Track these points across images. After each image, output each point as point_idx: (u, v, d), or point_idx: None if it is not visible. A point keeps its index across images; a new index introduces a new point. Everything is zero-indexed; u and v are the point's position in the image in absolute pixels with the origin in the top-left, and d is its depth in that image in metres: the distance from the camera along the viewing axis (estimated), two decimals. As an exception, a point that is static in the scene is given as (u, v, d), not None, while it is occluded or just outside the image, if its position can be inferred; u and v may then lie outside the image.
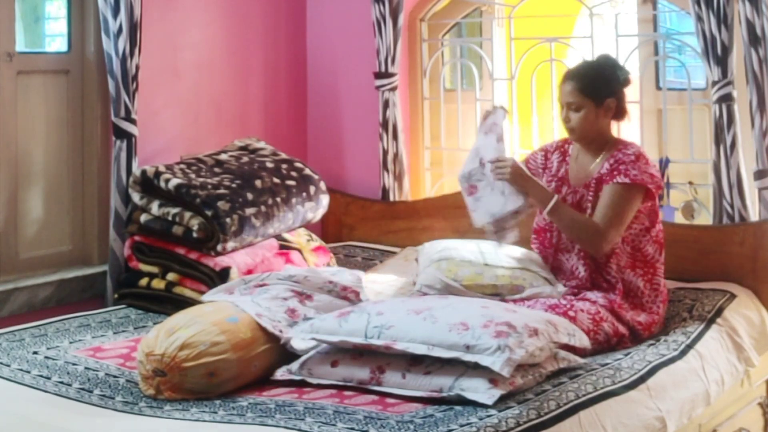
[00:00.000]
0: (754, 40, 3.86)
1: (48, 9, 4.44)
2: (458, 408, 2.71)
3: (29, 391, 2.97)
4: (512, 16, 4.89)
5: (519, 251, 3.62)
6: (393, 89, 4.79)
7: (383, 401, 2.80)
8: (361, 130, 4.99)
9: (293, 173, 4.28)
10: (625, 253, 3.50)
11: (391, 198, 4.82)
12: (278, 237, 4.15)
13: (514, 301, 3.43)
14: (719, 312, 3.65)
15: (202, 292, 3.66)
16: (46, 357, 3.26)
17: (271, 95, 4.98)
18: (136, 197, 4.00)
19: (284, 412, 2.73)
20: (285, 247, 4.13)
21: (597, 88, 3.52)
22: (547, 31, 4.83)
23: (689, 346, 3.38)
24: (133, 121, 4.10)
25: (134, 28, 4.05)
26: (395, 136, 4.79)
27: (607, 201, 3.44)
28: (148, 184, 3.99)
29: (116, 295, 4.01)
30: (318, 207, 4.33)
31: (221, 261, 3.85)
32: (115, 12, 4.00)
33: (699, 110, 4.41)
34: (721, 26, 3.91)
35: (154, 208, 3.95)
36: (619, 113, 3.59)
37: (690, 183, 4.36)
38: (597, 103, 3.52)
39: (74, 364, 3.18)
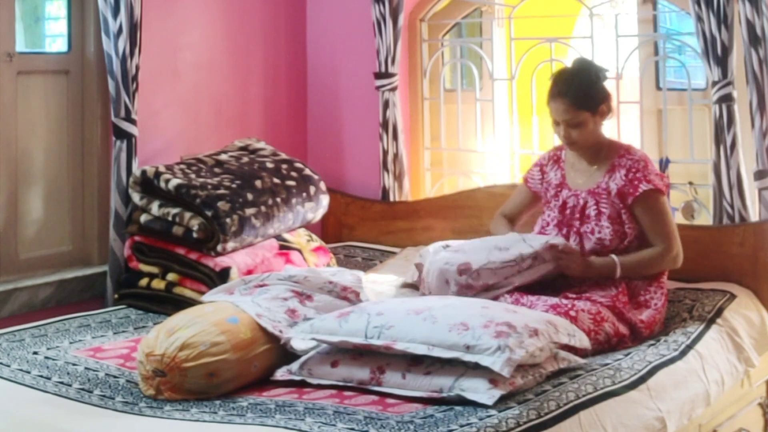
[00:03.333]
0: (754, 40, 3.86)
1: (48, 9, 4.44)
2: (458, 408, 2.71)
3: (29, 392, 2.97)
4: (512, 17, 4.89)
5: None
6: (393, 89, 4.79)
7: (383, 401, 2.80)
8: (361, 130, 4.99)
9: (293, 173, 4.28)
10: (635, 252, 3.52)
11: (391, 198, 4.82)
12: (278, 237, 4.15)
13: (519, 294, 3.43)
14: (719, 312, 3.65)
15: (202, 293, 3.66)
16: (46, 357, 3.26)
17: (271, 95, 4.98)
18: (136, 197, 4.00)
19: (284, 413, 2.73)
20: (285, 248, 4.13)
21: (590, 98, 3.54)
22: (547, 32, 4.83)
23: (689, 347, 3.38)
24: (133, 122, 4.10)
25: (134, 28, 4.05)
26: (395, 137, 4.79)
27: (651, 221, 3.51)
28: (148, 185, 3.99)
29: (116, 296, 4.00)
30: (318, 207, 4.33)
31: (221, 261, 3.85)
32: (115, 12, 4.00)
33: (699, 110, 4.41)
34: (721, 26, 3.91)
35: (154, 208, 3.95)
36: (611, 110, 3.61)
37: (690, 183, 4.36)
38: (593, 112, 3.54)
39: (74, 365, 3.18)
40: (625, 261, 3.49)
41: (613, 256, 3.49)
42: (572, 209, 3.58)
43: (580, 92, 3.52)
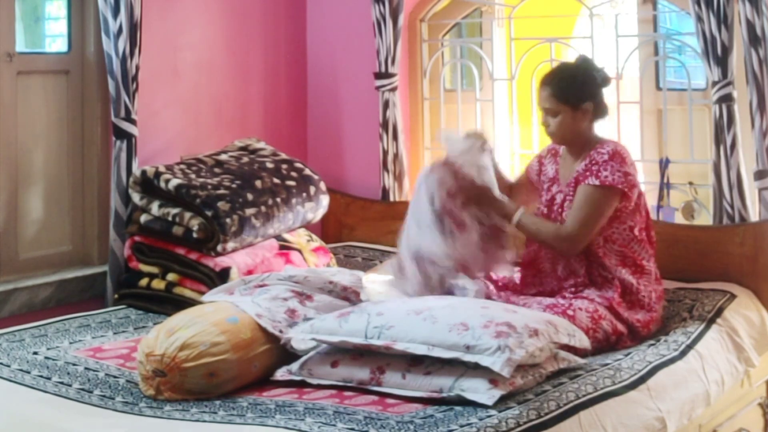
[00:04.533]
0: (754, 40, 3.86)
1: (48, 9, 4.44)
2: (458, 408, 2.71)
3: (29, 392, 2.97)
4: (512, 17, 4.89)
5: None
6: (393, 89, 4.79)
7: (383, 401, 2.80)
8: (361, 130, 4.99)
9: (293, 173, 4.28)
10: (613, 252, 3.49)
11: (391, 198, 4.82)
12: (278, 237, 4.15)
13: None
14: (719, 312, 3.65)
15: (202, 293, 3.66)
16: (46, 357, 3.26)
17: (271, 95, 4.98)
18: (136, 197, 4.00)
19: (284, 413, 2.73)
20: (285, 248, 4.13)
21: (572, 93, 3.52)
22: (547, 32, 4.83)
23: (689, 347, 3.38)
24: (133, 122, 4.10)
25: (134, 28, 4.05)
26: (395, 137, 4.79)
27: (576, 203, 3.46)
28: (148, 185, 3.99)
29: (116, 296, 4.00)
30: (318, 207, 4.33)
31: (221, 261, 3.85)
32: (115, 12, 4.00)
33: (699, 110, 4.41)
34: (721, 26, 3.91)
35: (154, 208, 3.95)
36: (599, 113, 3.59)
37: (690, 183, 4.36)
38: (573, 107, 3.51)
39: (74, 365, 3.18)
40: (526, 218, 3.48)
41: (522, 207, 3.51)
42: (559, 204, 3.58)
43: (563, 84, 3.52)
